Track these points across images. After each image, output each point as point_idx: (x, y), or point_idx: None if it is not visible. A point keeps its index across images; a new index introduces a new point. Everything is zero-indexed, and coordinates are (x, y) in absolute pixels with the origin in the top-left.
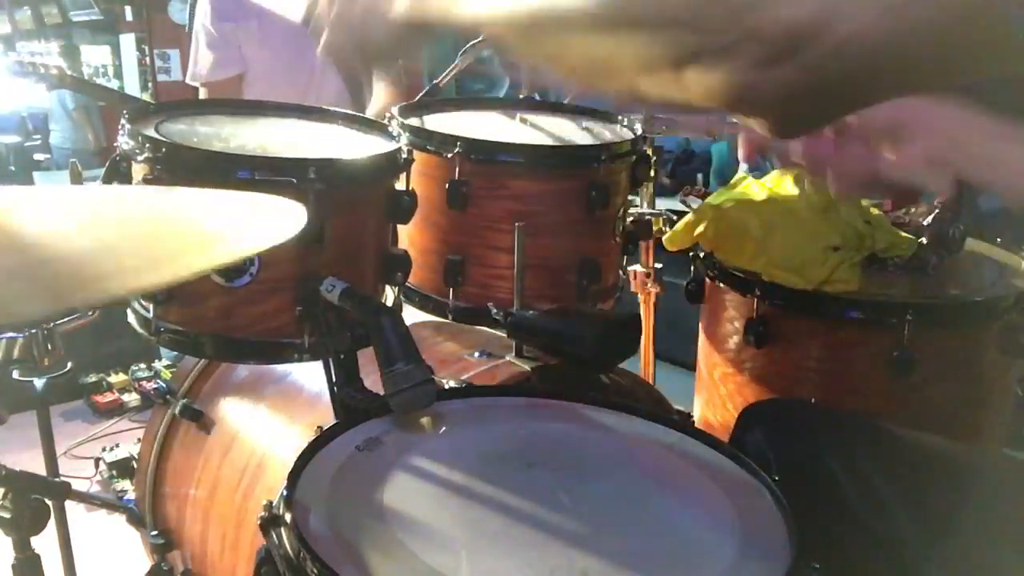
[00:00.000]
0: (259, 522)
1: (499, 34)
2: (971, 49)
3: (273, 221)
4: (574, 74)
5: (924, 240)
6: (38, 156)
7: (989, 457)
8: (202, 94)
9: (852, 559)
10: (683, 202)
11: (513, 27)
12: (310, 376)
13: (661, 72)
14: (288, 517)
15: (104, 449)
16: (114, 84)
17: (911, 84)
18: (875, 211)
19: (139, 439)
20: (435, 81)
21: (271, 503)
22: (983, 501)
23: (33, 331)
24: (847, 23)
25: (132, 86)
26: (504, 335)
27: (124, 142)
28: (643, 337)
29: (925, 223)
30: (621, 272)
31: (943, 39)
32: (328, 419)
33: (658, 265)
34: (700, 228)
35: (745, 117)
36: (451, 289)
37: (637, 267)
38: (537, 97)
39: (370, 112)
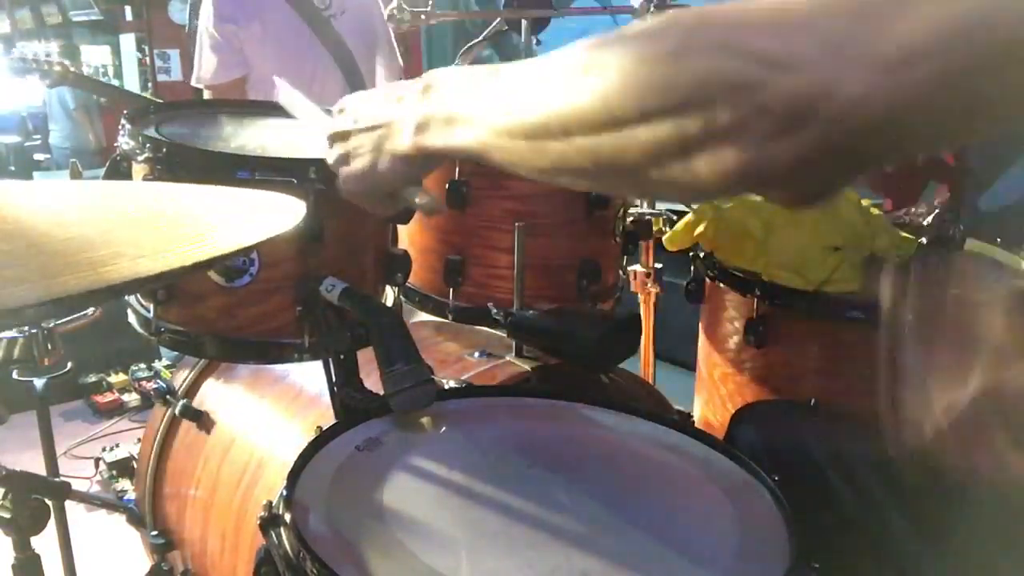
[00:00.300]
0: (259, 522)
1: (502, 152)
2: (985, 103)
3: (272, 216)
4: (584, 179)
5: (924, 240)
6: (38, 156)
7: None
8: (207, 96)
9: (845, 559)
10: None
11: (514, 142)
12: (310, 376)
13: (670, 163)
14: (288, 517)
15: (104, 449)
16: (114, 84)
17: (924, 142)
18: (875, 211)
19: (139, 439)
20: None
21: (271, 503)
22: (978, 502)
23: (33, 331)
24: (849, 89)
25: (132, 86)
26: (504, 335)
27: (124, 142)
28: (643, 337)
29: (925, 223)
30: (621, 272)
31: (950, 97)
32: (328, 419)
33: (658, 265)
34: (700, 228)
35: (758, 192)
36: (451, 289)
37: (637, 267)
38: None
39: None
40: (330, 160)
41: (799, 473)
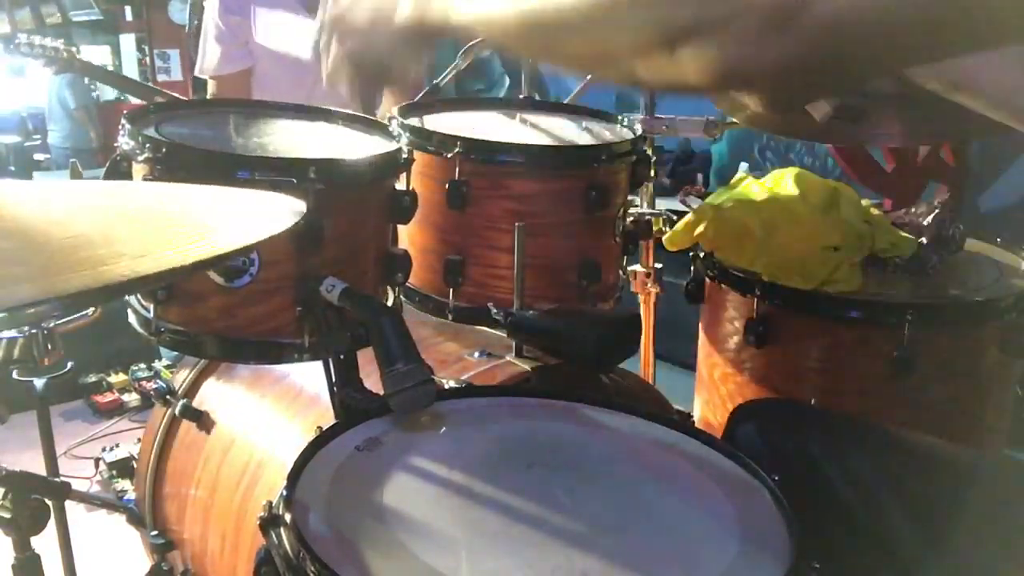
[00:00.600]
0: (259, 522)
1: (496, 33)
2: (970, 19)
3: (272, 216)
4: (573, 64)
5: (924, 240)
6: (38, 156)
7: (982, 457)
8: (211, 87)
9: (845, 558)
10: (683, 202)
11: (510, 24)
12: (310, 376)
13: (657, 54)
14: (288, 517)
15: (104, 449)
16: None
17: (906, 57)
18: (875, 211)
19: (139, 439)
20: (435, 81)
21: (271, 503)
22: (976, 501)
23: (33, 331)
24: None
25: None
26: (504, 335)
27: (124, 142)
28: (643, 337)
29: (925, 223)
30: (621, 272)
31: (936, 10)
32: (328, 419)
33: (658, 265)
34: (700, 228)
35: (740, 93)
36: (451, 289)
37: (637, 267)
38: (537, 97)
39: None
40: (322, 46)
41: (799, 473)
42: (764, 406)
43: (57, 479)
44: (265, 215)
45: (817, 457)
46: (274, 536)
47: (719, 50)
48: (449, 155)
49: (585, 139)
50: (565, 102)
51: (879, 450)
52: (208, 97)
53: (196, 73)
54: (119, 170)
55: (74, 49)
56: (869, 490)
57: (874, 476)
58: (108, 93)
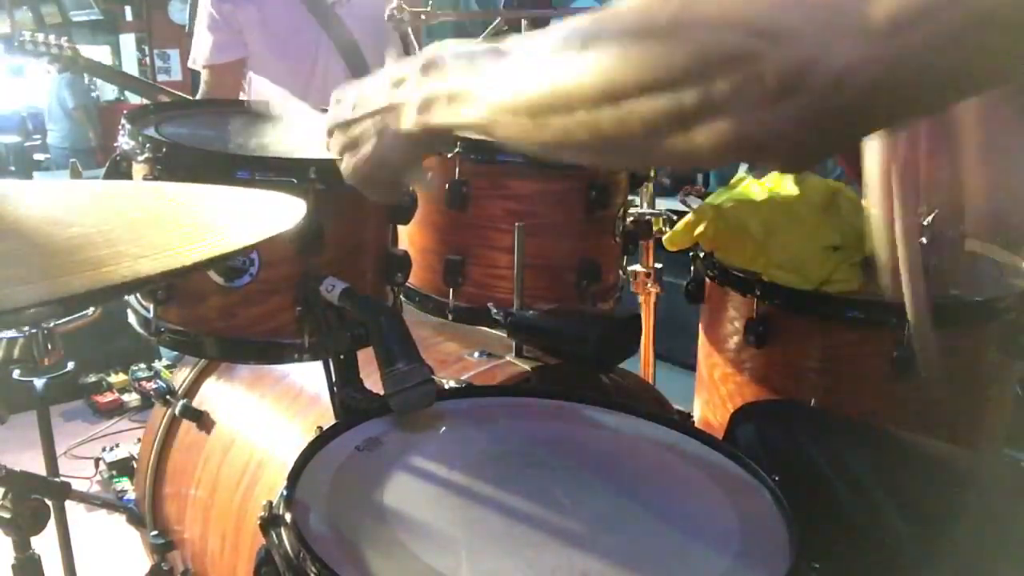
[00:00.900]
0: (259, 522)
1: (505, 128)
2: (967, 69)
3: (273, 216)
4: (585, 151)
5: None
6: (38, 156)
7: (980, 459)
8: (204, 77)
9: (844, 560)
10: (683, 202)
11: (517, 118)
12: (310, 376)
13: (670, 135)
14: (288, 517)
15: (104, 449)
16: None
17: (909, 109)
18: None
19: (139, 439)
20: None
21: (271, 503)
22: (975, 503)
23: (33, 331)
24: (838, 58)
25: None
26: (504, 335)
27: (124, 142)
28: (643, 337)
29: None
30: (621, 272)
31: (942, 60)
32: (328, 419)
33: (658, 265)
34: (700, 228)
35: (754, 160)
36: (451, 289)
37: (637, 267)
38: None
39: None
40: (333, 151)
41: (799, 473)
42: (764, 407)
43: (57, 479)
44: (266, 215)
45: (816, 458)
46: (274, 536)
47: (731, 124)
48: (449, 155)
49: None
50: None
51: (878, 452)
52: (201, 88)
53: (189, 65)
54: (119, 170)
55: (77, 47)
56: (868, 491)
57: (873, 477)
58: (108, 93)
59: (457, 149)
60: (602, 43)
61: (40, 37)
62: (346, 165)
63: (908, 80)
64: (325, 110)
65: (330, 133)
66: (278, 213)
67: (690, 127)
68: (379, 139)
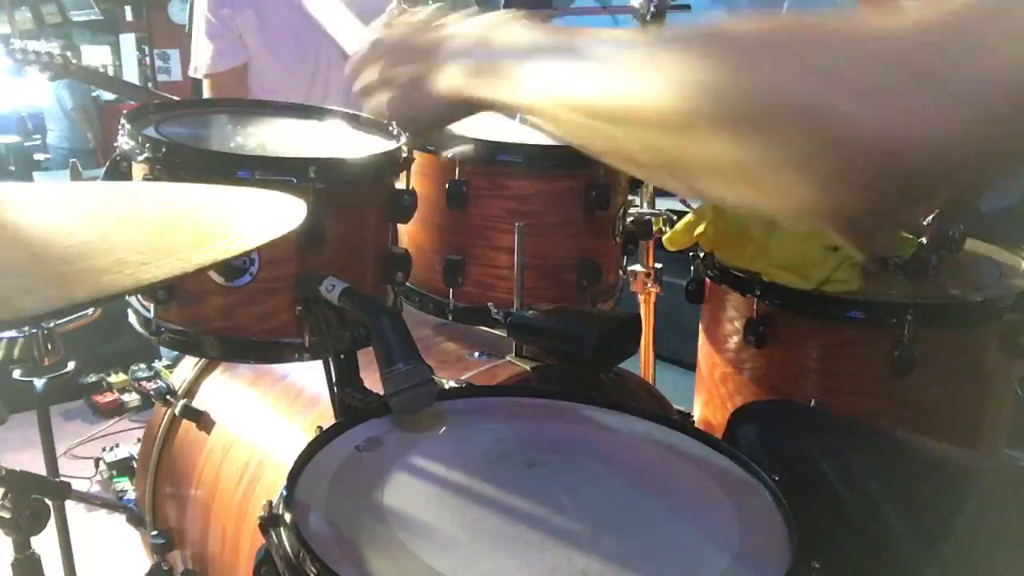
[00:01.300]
0: (259, 522)
1: (553, 120)
2: None
3: (273, 217)
4: (632, 165)
5: (924, 240)
6: (38, 156)
7: (981, 460)
8: (207, 85)
9: (845, 560)
10: (683, 202)
11: (569, 115)
12: (310, 376)
13: (726, 175)
14: (288, 517)
15: (104, 449)
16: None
17: (976, 180)
18: None
19: (139, 439)
20: None
21: (271, 503)
22: (977, 503)
23: (33, 331)
24: (910, 127)
25: None
26: (504, 335)
27: (124, 142)
28: (643, 337)
29: (925, 223)
30: (621, 272)
31: (1002, 138)
32: (328, 419)
33: (658, 265)
34: (700, 228)
35: (820, 226)
36: (451, 289)
37: (637, 267)
38: None
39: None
40: (359, 83)
41: (799, 473)
42: (764, 407)
43: (57, 479)
44: (266, 216)
45: (817, 458)
46: (274, 536)
47: (797, 182)
48: (448, 155)
49: None
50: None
51: (879, 452)
52: (206, 96)
53: (191, 73)
54: (119, 170)
55: (70, 54)
56: (868, 492)
57: (874, 478)
58: (108, 93)
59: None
60: (671, 68)
61: (32, 45)
62: (371, 103)
63: (974, 153)
64: (320, 108)
65: (364, 63)
66: (279, 214)
67: (751, 174)
68: (413, 88)
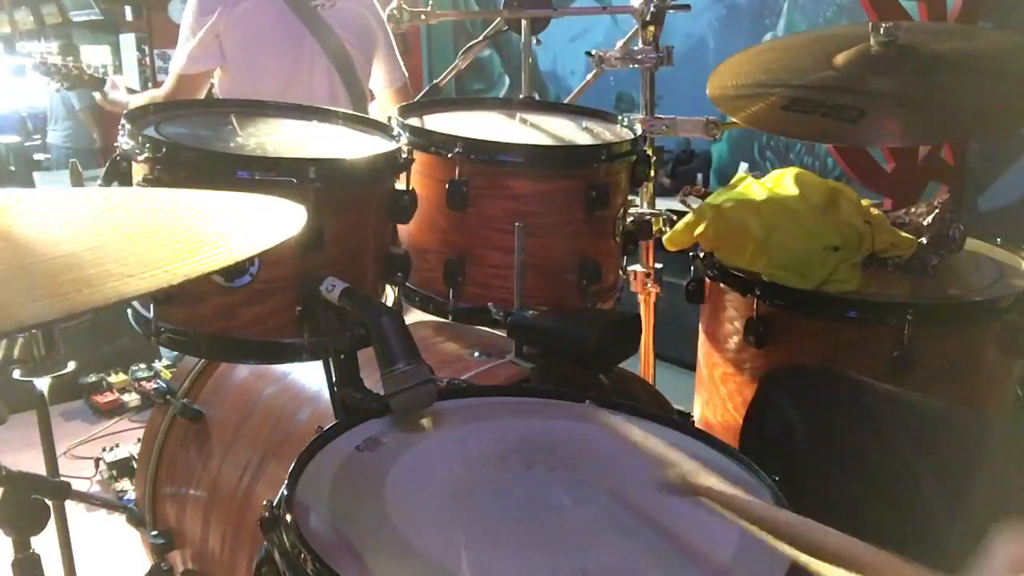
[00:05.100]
0: (259, 522)
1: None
2: None
3: (273, 221)
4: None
5: (924, 240)
6: (38, 156)
7: (1013, 427)
8: (172, 81)
9: (875, 525)
10: (683, 202)
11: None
12: (310, 376)
13: None
14: (288, 517)
15: (104, 449)
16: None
17: None
18: (875, 211)
19: (139, 439)
20: (435, 81)
21: (271, 503)
22: (1009, 468)
23: (33, 331)
24: None
25: (132, 86)
26: (504, 335)
27: (124, 142)
28: (643, 337)
29: (925, 223)
30: (621, 272)
31: None
32: (328, 419)
33: (658, 265)
34: (700, 228)
35: None
36: (451, 289)
37: (637, 267)
38: (537, 97)
39: None
40: None
41: (831, 440)
42: (796, 374)
43: (57, 479)
44: (266, 221)
45: (849, 424)
46: (274, 536)
47: None
48: (449, 155)
49: (585, 139)
50: (565, 102)
51: (911, 418)
52: (166, 90)
53: (169, 71)
54: (119, 170)
55: (83, 64)
56: (901, 457)
57: (906, 444)
58: None
59: (457, 149)
60: None
61: (49, 59)
62: None
63: None
64: (320, 109)
65: None
66: (278, 219)
67: None
68: None
